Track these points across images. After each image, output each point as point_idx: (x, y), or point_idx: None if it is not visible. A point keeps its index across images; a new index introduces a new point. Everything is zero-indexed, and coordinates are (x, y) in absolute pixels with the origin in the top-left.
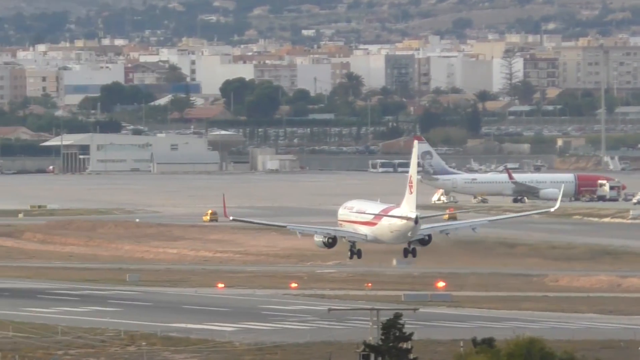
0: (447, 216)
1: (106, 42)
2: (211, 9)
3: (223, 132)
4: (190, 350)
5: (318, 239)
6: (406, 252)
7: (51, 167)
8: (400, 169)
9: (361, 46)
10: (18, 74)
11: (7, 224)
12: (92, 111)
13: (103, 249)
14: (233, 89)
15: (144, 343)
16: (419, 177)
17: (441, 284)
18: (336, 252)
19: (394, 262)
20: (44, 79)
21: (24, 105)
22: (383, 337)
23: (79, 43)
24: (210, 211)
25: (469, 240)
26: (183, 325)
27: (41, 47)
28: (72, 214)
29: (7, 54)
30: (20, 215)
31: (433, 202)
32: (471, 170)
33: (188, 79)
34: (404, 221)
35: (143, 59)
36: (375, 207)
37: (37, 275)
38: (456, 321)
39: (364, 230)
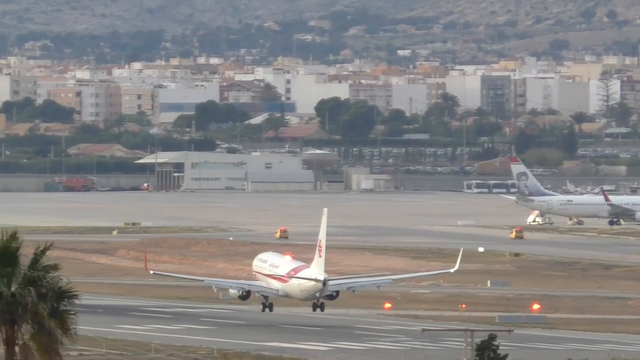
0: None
1: (201, 60)
2: (307, 29)
3: (318, 151)
4: None
5: (233, 291)
6: (315, 307)
7: (145, 185)
8: (495, 190)
9: (457, 67)
10: (113, 92)
11: (101, 241)
12: (187, 129)
13: (196, 266)
14: (328, 108)
15: None
16: (514, 197)
17: (536, 306)
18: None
19: (489, 283)
20: (139, 96)
21: (119, 122)
22: (477, 359)
23: (175, 61)
24: (281, 228)
25: (564, 262)
26: (276, 344)
27: (137, 65)
28: (166, 232)
29: (103, 71)
30: (115, 233)
31: (528, 224)
32: (567, 192)
33: (283, 98)
34: (313, 283)
35: (238, 77)
36: (288, 265)
37: (130, 293)
38: (551, 343)
39: (276, 285)
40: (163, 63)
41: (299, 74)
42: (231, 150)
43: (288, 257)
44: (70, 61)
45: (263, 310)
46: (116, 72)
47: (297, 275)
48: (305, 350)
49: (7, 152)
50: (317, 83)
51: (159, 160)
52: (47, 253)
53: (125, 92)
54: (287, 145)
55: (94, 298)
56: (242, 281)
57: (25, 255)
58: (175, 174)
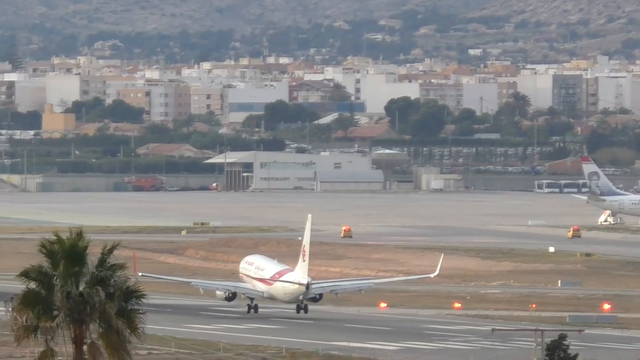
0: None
1: (271, 60)
2: (377, 28)
3: (387, 151)
4: None
5: (219, 293)
6: (299, 309)
7: (214, 185)
8: (566, 190)
9: (528, 66)
10: (183, 92)
11: (170, 240)
12: (256, 129)
13: None
14: (398, 108)
15: None
16: (586, 197)
17: (607, 305)
18: (499, 272)
19: (559, 283)
20: (208, 96)
21: (188, 122)
22: (547, 359)
23: (244, 61)
24: (345, 228)
25: (636, 262)
26: (345, 343)
27: (206, 65)
28: (235, 232)
29: (172, 71)
30: (183, 232)
31: (600, 223)
32: (638, 192)
33: (352, 98)
34: (297, 286)
35: (308, 77)
36: (273, 268)
37: (198, 292)
38: (622, 343)
39: (261, 287)
40: (232, 63)
41: (368, 74)
42: (300, 150)
43: (274, 261)
44: (139, 61)
45: (248, 312)
46: (185, 71)
47: (281, 278)
48: (374, 349)
49: (77, 152)
50: (387, 82)
51: (228, 160)
52: (116, 252)
53: (195, 92)
54: (356, 145)
55: (163, 297)
56: (228, 283)
57: (94, 255)
58: (244, 174)
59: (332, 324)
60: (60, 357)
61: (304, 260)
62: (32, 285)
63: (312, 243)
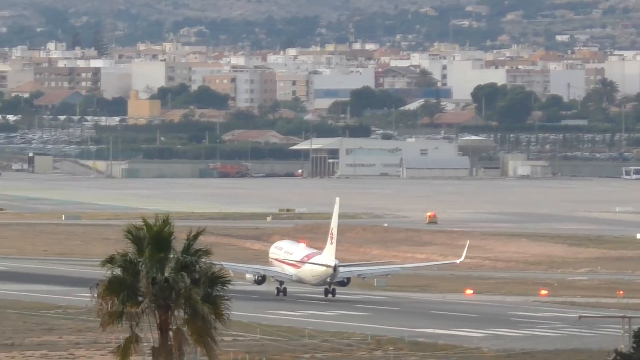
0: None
1: (357, 46)
2: (464, 14)
3: (474, 137)
4: (438, 356)
5: (249, 276)
6: (327, 292)
7: (300, 171)
8: None
9: (616, 52)
10: (268, 78)
11: (255, 227)
12: (342, 115)
13: (351, 253)
14: (484, 94)
15: (391, 348)
16: None
17: None
18: (586, 258)
19: None
20: (294, 82)
21: (274, 109)
22: (635, 346)
23: (330, 47)
24: (430, 214)
25: None
26: (430, 330)
27: (292, 51)
28: (320, 218)
29: (258, 57)
30: (269, 219)
31: None
32: None
33: (439, 84)
34: (324, 268)
35: (394, 63)
36: (302, 251)
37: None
38: None
39: (290, 270)
40: (318, 49)
41: (455, 60)
42: (386, 137)
43: (302, 245)
44: (225, 47)
45: (277, 295)
46: (271, 58)
47: (309, 261)
48: (460, 336)
49: (162, 138)
50: (473, 69)
51: (314, 147)
52: (202, 238)
53: (280, 79)
54: (442, 132)
55: (249, 284)
56: (257, 266)
57: (179, 241)
58: (330, 160)
59: (418, 310)
60: (145, 343)
61: (332, 243)
62: (118, 271)
63: (398, 229)
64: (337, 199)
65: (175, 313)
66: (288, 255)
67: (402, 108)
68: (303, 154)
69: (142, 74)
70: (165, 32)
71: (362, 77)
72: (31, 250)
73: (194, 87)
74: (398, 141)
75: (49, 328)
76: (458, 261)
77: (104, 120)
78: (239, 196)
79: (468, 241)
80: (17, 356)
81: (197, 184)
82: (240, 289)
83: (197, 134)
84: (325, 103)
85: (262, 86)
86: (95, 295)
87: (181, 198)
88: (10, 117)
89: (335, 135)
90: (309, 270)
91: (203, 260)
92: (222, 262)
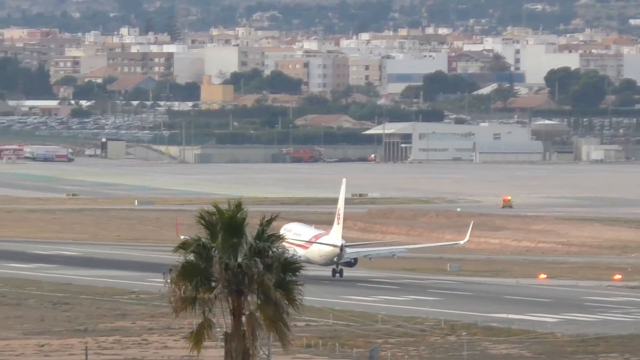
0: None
1: (430, 30)
2: None
3: (547, 121)
4: (512, 341)
5: None
6: (334, 272)
7: (372, 156)
8: None
9: None
10: (341, 63)
11: (328, 212)
12: (415, 100)
13: (424, 238)
14: (558, 78)
15: (464, 333)
16: None
17: None
18: None
19: None
20: (366, 67)
21: (347, 93)
22: None
23: (403, 32)
24: (504, 198)
25: None
26: (504, 315)
27: (365, 36)
28: (393, 203)
29: (331, 42)
30: None
31: None
32: None
33: (512, 68)
34: (331, 248)
35: (467, 47)
36: (310, 232)
37: (358, 264)
38: None
39: (299, 251)
40: (391, 33)
41: (528, 44)
42: (459, 121)
43: (311, 227)
44: (298, 32)
45: None
46: (344, 42)
47: (317, 241)
48: (534, 321)
49: (235, 123)
50: (546, 53)
51: (387, 131)
52: (275, 224)
53: (353, 63)
54: (515, 116)
55: (321, 269)
56: None
57: (252, 226)
58: (403, 145)
59: (491, 295)
60: (218, 329)
61: (339, 224)
62: (191, 257)
63: (471, 214)
64: (344, 179)
65: (248, 298)
66: (297, 236)
67: (475, 92)
68: (376, 139)
69: (215, 59)
70: (238, 16)
71: (435, 62)
72: (104, 236)
73: (267, 72)
74: (471, 126)
75: (122, 314)
76: (462, 242)
77: (177, 106)
78: (312, 181)
79: (472, 222)
80: (90, 342)
81: (270, 169)
82: (313, 274)
83: (269, 119)
84: (398, 88)
85: (335, 71)
86: (169, 280)
87: (254, 183)
88: (84, 103)
89: (408, 119)
90: (316, 251)
91: (276, 245)
92: None
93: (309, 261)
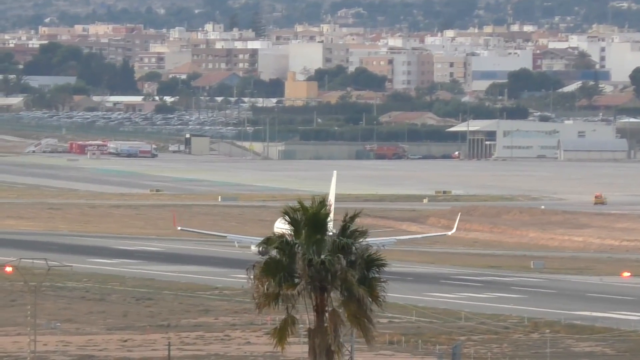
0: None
1: (515, 28)
2: None
3: (632, 119)
4: (595, 339)
5: (254, 248)
6: None
7: (456, 153)
8: None
9: None
10: (426, 60)
11: (411, 209)
12: (499, 97)
13: (507, 235)
14: None
15: (547, 330)
16: None
17: None
18: None
19: None
20: (451, 64)
21: (431, 90)
22: None
23: (488, 29)
24: (596, 194)
25: None
26: (587, 313)
27: (449, 33)
28: (477, 200)
29: (416, 39)
30: (425, 201)
31: None
32: None
33: (597, 66)
34: None
35: (552, 45)
36: None
37: (440, 261)
38: None
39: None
40: (476, 31)
41: (614, 42)
42: (544, 119)
43: None
44: (382, 29)
45: None
46: (429, 39)
47: None
48: (617, 319)
49: (319, 120)
50: (632, 51)
51: (471, 129)
52: (358, 220)
53: (438, 60)
54: (600, 114)
55: (405, 266)
56: (262, 238)
57: (336, 222)
58: (487, 142)
59: (575, 293)
60: (301, 325)
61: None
62: (274, 253)
63: (555, 212)
64: (335, 172)
65: (332, 295)
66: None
67: (559, 90)
68: (460, 136)
69: (300, 56)
70: (323, 13)
71: (520, 59)
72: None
73: (351, 68)
74: (555, 123)
75: (205, 309)
76: (449, 233)
77: (261, 102)
78: (396, 178)
79: (459, 213)
80: (173, 337)
81: (354, 166)
82: (396, 270)
83: (353, 115)
84: (482, 85)
85: (420, 68)
86: (252, 276)
87: (338, 180)
88: (168, 99)
89: (492, 117)
90: None
91: (359, 242)
92: (227, 234)
93: None
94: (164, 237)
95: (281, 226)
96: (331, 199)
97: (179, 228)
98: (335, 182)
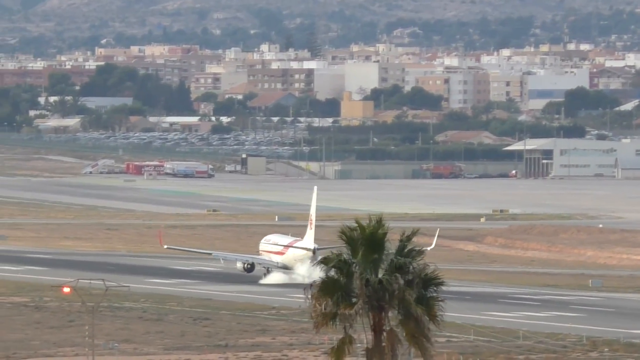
0: None
1: (571, 46)
2: None
3: None
4: None
5: (239, 264)
6: None
7: (513, 172)
8: None
9: None
10: (482, 79)
11: (468, 227)
12: (556, 116)
13: (565, 254)
14: None
15: (606, 349)
16: None
17: None
18: None
19: None
20: (507, 83)
21: (487, 109)
22: None
23: (544, 48)
24: None
25: None
26: None
27: (505, 52)
28: (534, 219)
29: (472, 58)
30: (482, 219)
31: None
32: None
33: None
34: (304, 251)
35: (609, 63)
36: (287, 240)
37: (498, 280)
38: None
39: (276, 258)
40: (532, 49)
41: None
42: (601, 137)
43: (289, 236)
44: (438, 48)
45: (265, 277)
46: (485, 58)
47: (291, 245)
48: None
49: (375, 140)
50: None
51: (528, 147)
52: (415, 239)
53: (494, 79)
54: None
55: (462, 285)
56: (246, 255)
57: (393, 242)
58: (544, 161)
59: (634, 312)
60: (358, 344)
61: (311, 229)
62: (332, 272)
63: (613, 230)
64: (315, 187)
65: (389, 314)
66: (275, 246)
67: (617, 108)
68: (517, 155)
69: (355, 75)
70: (379, 33)
71: (577, 78)
72: (244, 251)
73: (407, 88)
74: (613, 142)
75: (263, 329)
76: (429, 248)
77: (317, 122)
78: (452, 197)
79: (438, 229)
80: (230, 357)
81: (410, 185)
82: (454, 289)
83: (409, 135)
84: (539, 104)
85: (476, 87)
86: (309, 296)
87: (394, 199)
88: (224, 119)
89: (549, 136)
90: (291, 256)
91: (417, 261)
92: (213, 252)
93: (286, 267)
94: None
95: (266, 247)
96: (312, 214)
97: (165, 246)
98: (315, 197)
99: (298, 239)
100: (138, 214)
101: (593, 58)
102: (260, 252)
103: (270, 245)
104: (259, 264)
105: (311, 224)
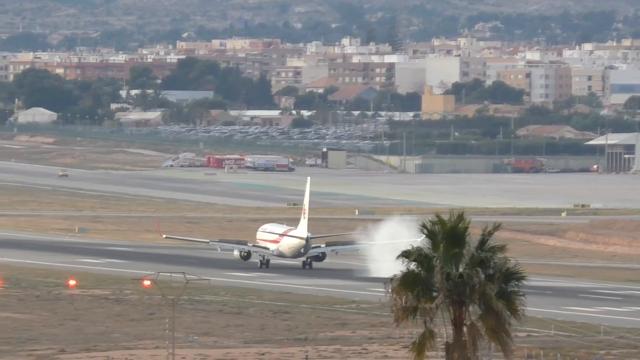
0: None
1: None
2: None
3: None
4: None
5: (235, 252)
6: (304, 264)
7: (595, 166)
8: None
9: None
10: (563, 73)
11: (550, 222)
12: (638, 111)
13: (634, 247)
14: None
15: None
16: None
17: None
18: None
19: None
20: (589, 78)
21: (569, 104)
22: None
23: (626, 42)
24: None
25: None
26: None
27: (587, 46)
28: (616, 214)
29: (553, 52)
30: (564, 214)
31: None
32: None
33: None
34: (298, 240)
35: None
36: (282, 229)
37: (579, 275)
38: None
39: (272, 246)
40: (614, 44)
41: None
42: None
43: (284, 226)
44: (520, 42)
45: (260, 267)
46: (566, 53)
47: (285, 234)
48: None
49: (456, 134)
50: None
51: (609, 142)
52: (496, 234)
53: (576, 74)
54: None
55: (543, 280)
56: (243, 244)
57: (474, 236)
58: (626, 156)
59: None
60: (439, 339)
61: (304, 218)
62: (412, 266)
63: None
64: (309, 177)
65: (470, 308)
66: (270, 234)
67: None
68: (598, 150)
69: (437, 70)
70: (460, 27)
71: None
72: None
73: (489, 82)
74: None
75: (342, 323)
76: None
77: (398, 116)
78: (533, 191)
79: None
80: (310, 350)
81: (491, 180)
82: (535, 284)
83: (491, 129)
84: (621, 98)
85: (557, 81)
86: (390, 290)
87: (475, 193)
88: (305, 113)
89: (631, 130)
90: (285, 244)
91: (498, 256)
92: (210, 241)
93: (281, 255)
94: None
95: (263, 235)
96: (305, 204)
97: (164, 236)
98: (309, 187)
99: (292, 228)
100: (218, 208)
101: None
102: (257, 240)
103: (267, 234)
104: (255, 252)
105: (304, 213)
